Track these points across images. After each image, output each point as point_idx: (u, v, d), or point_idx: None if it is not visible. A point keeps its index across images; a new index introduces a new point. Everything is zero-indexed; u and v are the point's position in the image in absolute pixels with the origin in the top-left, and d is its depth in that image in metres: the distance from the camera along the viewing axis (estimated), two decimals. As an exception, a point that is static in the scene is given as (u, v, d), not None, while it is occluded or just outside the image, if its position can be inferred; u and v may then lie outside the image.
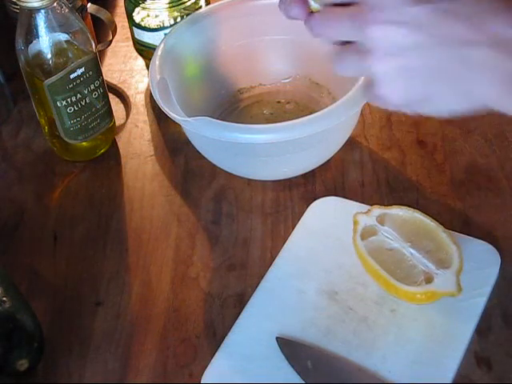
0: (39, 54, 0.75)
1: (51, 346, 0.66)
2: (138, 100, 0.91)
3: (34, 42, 0.74)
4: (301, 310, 0.67)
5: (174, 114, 0.72)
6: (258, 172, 0.78)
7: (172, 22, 0.87)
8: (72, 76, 0.75)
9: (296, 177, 0.79)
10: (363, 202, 0.75)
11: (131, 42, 0.92)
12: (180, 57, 0.81)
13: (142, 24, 0.88)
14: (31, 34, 0.74)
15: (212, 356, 0.64)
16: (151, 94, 0.78)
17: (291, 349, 0.64)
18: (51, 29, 0.74)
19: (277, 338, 0.65)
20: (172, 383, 0.64)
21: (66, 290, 0.72)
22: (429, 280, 0.64)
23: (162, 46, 0.80)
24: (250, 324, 0.66)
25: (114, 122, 0.84)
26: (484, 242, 0.70)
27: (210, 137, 0.71)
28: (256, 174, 0.78)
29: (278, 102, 0.87)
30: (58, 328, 0.68)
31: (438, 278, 0.63)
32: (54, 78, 0.74)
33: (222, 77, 0.86)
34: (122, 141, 0.86)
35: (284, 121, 0.71)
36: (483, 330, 0.65)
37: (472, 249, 0.68)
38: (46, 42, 0.74)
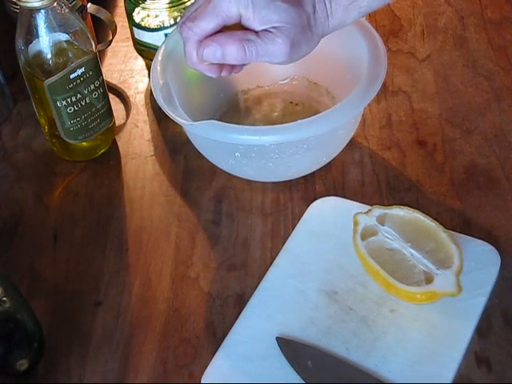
0: (39, 54, 0.75)
1: (51, 346, 0.66)
2: (138, 100, 0.91)
3: (34, 42, 0.74)
4: (301, 310, 0.67)
5: (180, 119, 0.72)
6: (259, 174, 0.78)
7: (172, 22, 0.87)
8: (72, 76, 0.75)
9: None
10: (363, 202, 0.75)
11: (131, 42, 0.92)
12: (180, 60, 0.80)
13: (142, 24, 0.87)
14: (31, 34, 0.74)
15: (212, 356, 0.64)
16: (151, 94, 0.78)
17: (291, 349, 0.64)
18: (51, 29, 0.74)
19: (277, 338, 0.65)
20: (172, 383, 0.64)
21: (66, 290, 0.72)
22: (429, 280, 0.64)
23: (162, 49, 0.79)
24: (249, 324, 0.66)
25: (114, 122, 0.84)
26: (484, 242, 0.70)
27: (218, 140, 0.70)
28: (257, 175, 0.78)
29: (279, 102, 0.86)
30: (57, 328, 0.68)
31: (438, 278, 0.63)
32: (53, 78, 0.74)
33: (221, 79, 0.86)
34: (121, 141, 0.86)
35: (285, 121, 0.70)
36: (483, 329, 0.65)
37: (472, 249, 0.68)
38: (46, 42, 0.74)
